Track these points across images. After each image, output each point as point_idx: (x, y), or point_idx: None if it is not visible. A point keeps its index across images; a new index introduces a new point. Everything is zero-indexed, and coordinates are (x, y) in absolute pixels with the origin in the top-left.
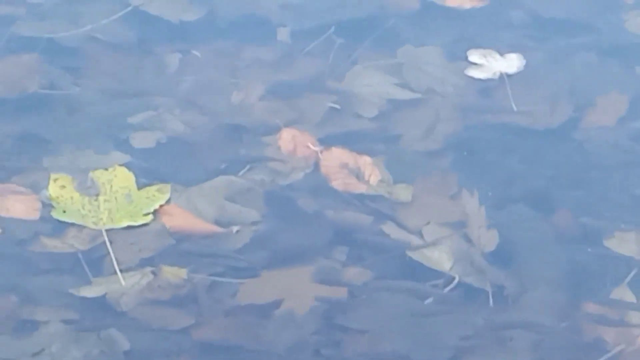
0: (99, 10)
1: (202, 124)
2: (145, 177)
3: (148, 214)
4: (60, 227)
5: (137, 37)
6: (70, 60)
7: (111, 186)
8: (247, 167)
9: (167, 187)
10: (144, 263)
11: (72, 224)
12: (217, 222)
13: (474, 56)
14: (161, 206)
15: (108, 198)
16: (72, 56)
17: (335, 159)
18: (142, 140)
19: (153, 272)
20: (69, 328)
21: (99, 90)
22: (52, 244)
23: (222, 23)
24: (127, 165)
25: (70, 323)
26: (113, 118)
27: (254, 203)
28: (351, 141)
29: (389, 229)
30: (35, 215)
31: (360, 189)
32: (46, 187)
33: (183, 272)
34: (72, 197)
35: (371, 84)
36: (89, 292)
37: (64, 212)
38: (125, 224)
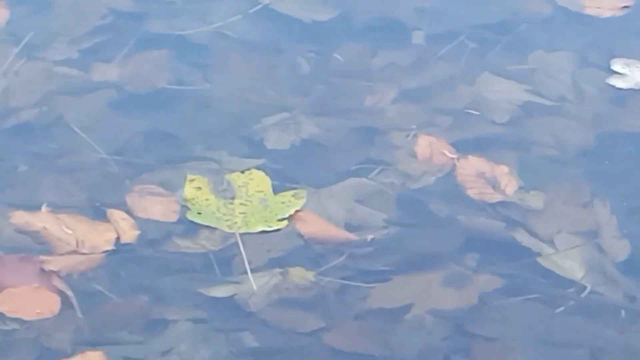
0: (229, 7)
1: (335, 126)
2: (278, 179)
3: (283, 219)
4: (193, 228)
5: (267, 36)
6: (199, 57)
7: (247, 190)
8: (378, 169)
9: (303, 193)
10: (273, 264)
11: (204, 224)
12: (347, 225)
13: (617, 65)
14: (296, 211)
15: (243, 202)
16: (202, 53)
17: (471, 167)
18: (276, 142)
19: (281, 274)
20: (198, 327)
21: (229, 88)
22: (185, 245)
23: (356, 25)
24: (260, 167)
25: (199, 322)
26: (245, 118)
27: (384, 206)
28: (482, 146)
29: (520, 236)
30: (173, 217)
31: (496, 198)
32: (180, 187)
33: (311, 275)
34: (207, 199)
35: (502, 89)
36: (218, 292)
37: (199, 214)
38: (259, 228)
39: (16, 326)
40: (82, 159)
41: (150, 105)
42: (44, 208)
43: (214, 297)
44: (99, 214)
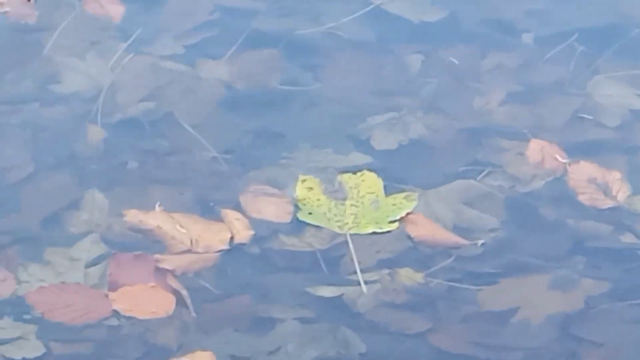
0: (340, 8)
1: (443, 127)
2: (384, 179)
3: (394, 221)
4: (299, 226)
5: (377, 36)
6: (310, 57)
7: (358, 191)
8: (486, 171)
9: (414, 196)
10: (381, 265)
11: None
12: (455, 227)
13: None
14: (407, 214)
15: (355, 203)
16: (313, 53)
17: (583, 172)
18: (383, 142)
19: (390, 275)
20: (305, 327)
21: (338, 88)
22: (291, 243)
23: (464, 26)
24: (366, 167)
25: (306, 322)
26: (353, 117)
27: (492, 209)
28: (592, 150)
29: (628, 240)
30: (286, 218)
31: (607, 204)
32: (288, 185)
33: (419, 276)
34: (318, 200)
35: (613, 94)
36: (326, 291)
37: (310, 214)
38: (370, 230)
39: (124, 322)
40: (192, 157)
41: (260, 104)
42: (157, 207)
43: (321, 297)
44: (208, 212)
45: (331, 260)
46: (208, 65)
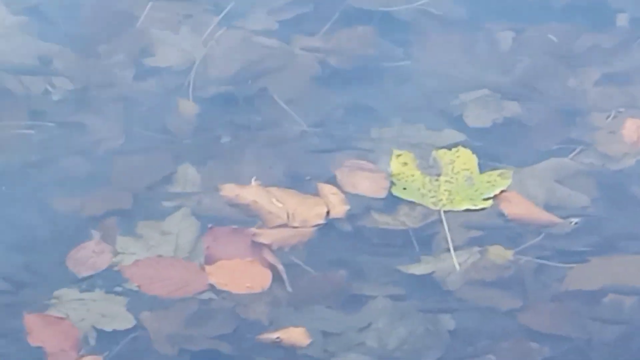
0: None
1: (537, 105)
2: (478, 157)
3: (488, 198)
4: (392, 204)
5: (469, 13)
6: (403, 34)
7: (453, 167)
8: (578, 150)
9: (509, 173)
10: (472, 242)
11: (404, 201)
12: (547, 205)
13: None
14: (501, 192)
15: (449, 179)
16: (405, 29)
17: None
18: (476, 119)
19: (480, 252)
20: (395, 305)
21: (430, 64)
22: (384, 221)
23: (557, 4)
24: (461, 144)
25: (397, 299)
26: (445, 94)
27: (584, 187)
28: None
29: None
30: (381, 193)
31: None
32: (379, 160)
33: (509, 254)
34: (413, 175)
35: None
36: (417, 269)
37: (404, 189)
38: (464, 207)
39: (218, 297)
40: (284, 131)
41: (353, 79)
42: (253, 181)
43: (412, 275)
44: (299, 186)
45: (423, 238)
46: (302, 41)
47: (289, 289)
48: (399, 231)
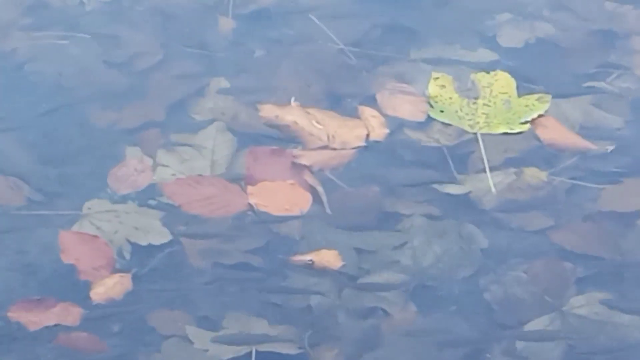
0: None
1: (573, 27)
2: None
3: (525, 122)
4: (427, 121)
5: None
6: None
7: (491, 90)
8: (616, 74)
9: (547, 98)
10: (508, 163)
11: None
12: (582, 127)
13: None
14: (539, 116)
15: (487, 102)
16: None
17: None
18: (509, 39)
19: (516, 173)
20: (431, 223)
21: None
22: (417, 136)
23: None
24: (493, 64)
25: (432, 218)
26: (480, 14)
27: (619, 110)
28: None
29: None
30: (421, 117)
31: None
32: (415, 80)
33: (544, 175)
34: (450, 98)
35: None
36: (453, 189)
37: (442, 112)
38: (501, 130)
39: (256, 216)
40: (319, 48)
41: (391, 0)
42: (293, 102)
43: (448, 194)
44: (335, 105)
45: (459, 157)
46: None
47: (328, 211)
48: (433, 148)
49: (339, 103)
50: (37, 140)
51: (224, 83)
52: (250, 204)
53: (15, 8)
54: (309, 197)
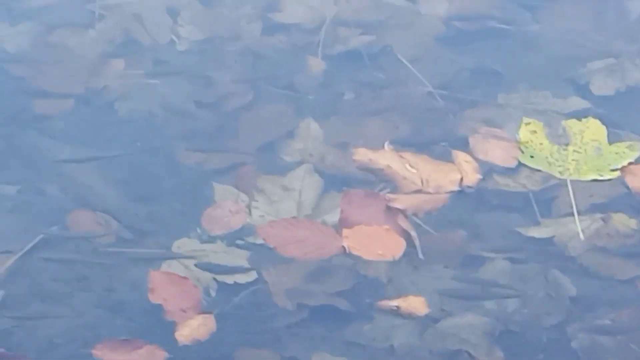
0: None
1: None
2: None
3: (615, 170)
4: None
5: None
6: None
7: (582, 137)
8: None
9: (637, 146)
10: (594, 209)
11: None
12: None
13: None
14: (629, 163)
15: (577, 149)
16: None
17: None
18: (601, 87)
19: (603, 219)
20: (515, 267)
21: (557, 30)
22: (505, 182)
23: None
24: (585, 112)
25: (516, 262)
26: (572, 61)
27: None
28: None
29: None
30: (512, 162)
31: None
32: (503, 125)
33: (633, 222)
34: (541, 144)
35: None
36: (537, 232)
37: (532, 157)
38: (591, 177)
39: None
40: (408, 91)
41: (478, 41)
42: (386, 146)
43: (531, 237)
44: (422, 148)
45: (544, 201)
46: (428, 1)
47: (421, 256)
48: (519, 193)
49: (426, 146)
50: (127, 178)
51: (313, 125)
52: (343, 247)
53: (106, 45)
54: (403, 243)
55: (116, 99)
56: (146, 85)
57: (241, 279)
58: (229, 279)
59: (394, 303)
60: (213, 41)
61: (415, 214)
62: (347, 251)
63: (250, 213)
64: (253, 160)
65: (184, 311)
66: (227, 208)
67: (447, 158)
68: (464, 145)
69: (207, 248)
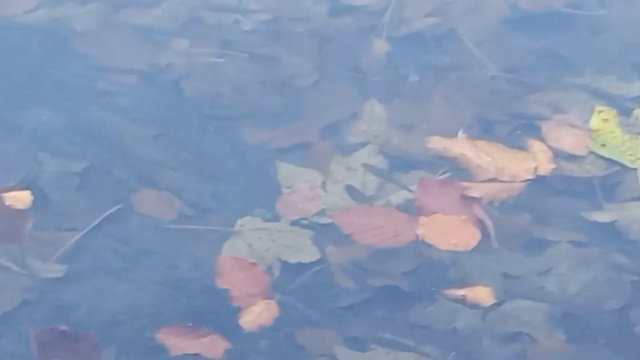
0: None
1: None
2: None
3: None
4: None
5: None
6: None
7: None
8: None
9: None
10: None
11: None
12: None
13: None
14: None
15: None
16: None
17: None
18: None
19: None
20: (577, 251)
21: (625, 15)
22: (570, 168)
23: None
24: None
25: (579, 246)
26: (638, 46)
27: None
28: None
29: None
30: (583, 151)
31: None
32: (567, 110)
33: None
34: (612, 132)
35: None
36: (600, 217)
37: (603, 146)
38: None
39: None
40: (472, 74)
41: (544, 25)
42: (460, 134)
43: (595, 222)
44: (487, 132)
45: (608, 186)
46: None
47: (495, 245)
48: (583, 179)
49: (490, 130)
50: (191, 157)
51: (377, 106)
52: (417, 235)
53: (171, 23)
54: (477, 234)
55: (181, 77)
56: (212, 64)
57: (305, 258)
58: (293, 259)
59: (460, 292)
60: (279, 22)
61: (490, 202)
62: (421, 239)
63: (325, 191)
64: (317, 140)
65: (251, 297)
66: (303, 194)
67: (513, 143)
68: (531, 130)
69: (270, 227)
